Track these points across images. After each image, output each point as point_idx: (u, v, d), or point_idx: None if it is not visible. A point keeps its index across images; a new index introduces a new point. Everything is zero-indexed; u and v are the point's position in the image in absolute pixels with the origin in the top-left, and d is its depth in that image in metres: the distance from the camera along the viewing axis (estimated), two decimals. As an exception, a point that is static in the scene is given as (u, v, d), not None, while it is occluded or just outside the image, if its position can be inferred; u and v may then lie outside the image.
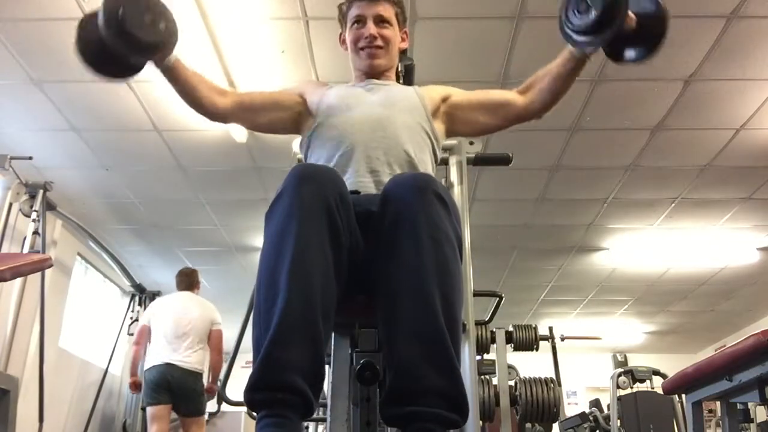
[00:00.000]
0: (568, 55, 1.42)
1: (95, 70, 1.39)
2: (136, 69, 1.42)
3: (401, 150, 1.45)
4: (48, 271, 4.16)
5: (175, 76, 1.47)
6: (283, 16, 3.18)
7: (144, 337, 4.25)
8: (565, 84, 1.48)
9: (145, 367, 4.19)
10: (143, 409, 4.30)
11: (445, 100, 1.61)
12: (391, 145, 1.45)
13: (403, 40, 1.67)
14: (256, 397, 0.97)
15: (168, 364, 4.05)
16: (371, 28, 1.57)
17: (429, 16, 3.18)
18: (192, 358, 4.13)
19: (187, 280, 4.47)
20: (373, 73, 1.62)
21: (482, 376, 3.04)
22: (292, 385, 0.96)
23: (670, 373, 2.30)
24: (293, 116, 1.61)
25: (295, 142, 1.79)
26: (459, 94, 1.63)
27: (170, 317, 4.19)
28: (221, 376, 4.02)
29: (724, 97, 3.77)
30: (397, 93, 1.58)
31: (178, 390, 4.06)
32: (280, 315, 0.99)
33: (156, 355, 4.12)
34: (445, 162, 2.28)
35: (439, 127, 1.60)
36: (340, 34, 1.69)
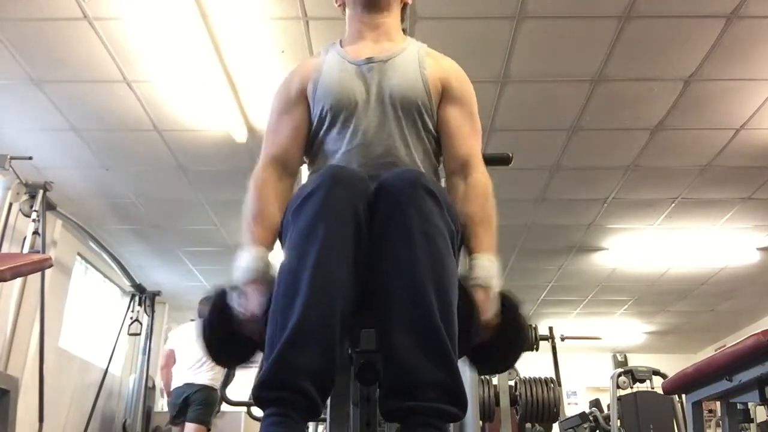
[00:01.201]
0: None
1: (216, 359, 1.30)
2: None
3: None
4: (48, 271, 4.15)
5: None
6: (283, 16, 3.18)
7: (170, 360, 4.85)
8: None
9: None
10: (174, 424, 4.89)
11: (442, 95, 1.43)
12: None
13: None
14: (264, 395, 0.98)
15: (187, 384, 4.65)
16: None
17: (429, 16, 3.18)
18: (208, 374, 4.67)
19: None
20: (373, 2, 1.47)
21: (482, 376, 3.04)
22: (303, 388, 0.97)
23: (670, 373, 2.30)
24: (309, 123, 1.46)
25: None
26: (451, 107, 1.44)
27: (191, 345, 4.65)
28: (221, 376, 4.10)
29: (724, 97, 3.77)
30: (400, 81, 1.40)
31: (193, 400, 4.60)
32: (298, 316, 0.99)
33: (178, 378, 4.74)
34: (445, 162, 2.27)
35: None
36: None
